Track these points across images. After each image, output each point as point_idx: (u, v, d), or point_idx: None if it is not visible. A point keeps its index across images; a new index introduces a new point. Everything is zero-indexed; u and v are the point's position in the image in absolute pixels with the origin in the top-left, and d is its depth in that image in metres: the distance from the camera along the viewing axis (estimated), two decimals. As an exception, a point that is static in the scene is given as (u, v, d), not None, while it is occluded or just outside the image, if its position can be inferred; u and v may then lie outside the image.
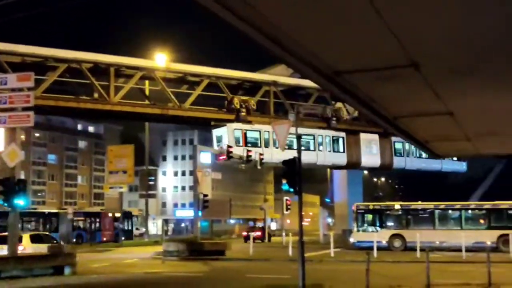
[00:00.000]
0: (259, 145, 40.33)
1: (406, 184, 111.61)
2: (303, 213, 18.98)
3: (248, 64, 47.06)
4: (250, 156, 38.38)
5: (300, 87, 43.58)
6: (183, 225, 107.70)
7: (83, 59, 36.78)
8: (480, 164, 57.71)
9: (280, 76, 42.83)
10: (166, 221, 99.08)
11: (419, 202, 39.00)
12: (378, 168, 49.87)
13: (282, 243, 47.26)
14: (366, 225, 38.28)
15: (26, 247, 28.64)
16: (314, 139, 43.73)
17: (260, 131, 40.59)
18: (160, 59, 39.63)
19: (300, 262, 17.23)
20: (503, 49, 3.68)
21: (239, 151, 38.32)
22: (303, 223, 18.68)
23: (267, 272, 24.55)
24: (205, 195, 36.46)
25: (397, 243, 36.97)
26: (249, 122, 40.69)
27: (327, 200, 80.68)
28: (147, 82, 40.88)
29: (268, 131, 39.66)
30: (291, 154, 43.21)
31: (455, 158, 53.04)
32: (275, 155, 38.29)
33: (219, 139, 40.24)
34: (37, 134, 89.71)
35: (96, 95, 37.76)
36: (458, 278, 20.45)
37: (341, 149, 45.15)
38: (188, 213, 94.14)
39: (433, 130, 6.95)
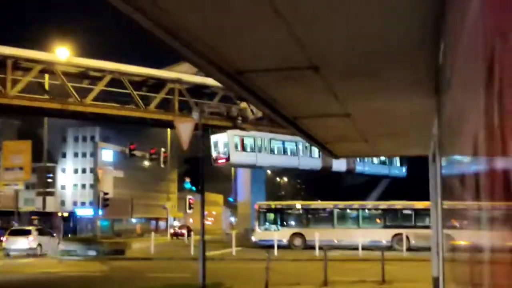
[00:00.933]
0: (254, 149, 44.41)
1: (308, 184, 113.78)
2: (206, 212, 18.96)
3: (156, 61, 46.48)
4: (153, 154, 38.42)
5: (205, 86, 43.54)
6: (83, 224, 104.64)
7: (-23, 49, 35.12)
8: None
9: (185, 74, 42.58)
10: (64, 220, 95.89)
11: (319, 202, 39.90)
12: (345, 172, 54.74)
13: (185, 242, 47.10)
14: (268, 224, 38.76)
15: (35, 238, 34.47)
16: (296, 145, 47.73)
17: (254, 137, 44.56)
18: (61, 53, 38.38)
19: (201, 261, 17.22)
20: (386, 52, 3.83)
21: (237, 155, 41.82)
22: (206, 222, 18.66)
23: (168, 271, 24.32)
24: (106, 193, 35.79)
25: (297, 241, 37.67)
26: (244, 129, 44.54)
27: (231, 199, 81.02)
28: (46, 76, 39.51)
29: (261, 137, 44.79)
30: (278, 159, 46.55)
31: (398, 164, 58.03)
32: (269, 159, 45.48)
33: (216, 145, 43.18)
34: None
35: (-9, 87, 36.12)
36: (354, 276, 21.11)
37: (316, 155, 48.45)
38: (89, 211, 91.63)
39: (332, 131, 7.09)
